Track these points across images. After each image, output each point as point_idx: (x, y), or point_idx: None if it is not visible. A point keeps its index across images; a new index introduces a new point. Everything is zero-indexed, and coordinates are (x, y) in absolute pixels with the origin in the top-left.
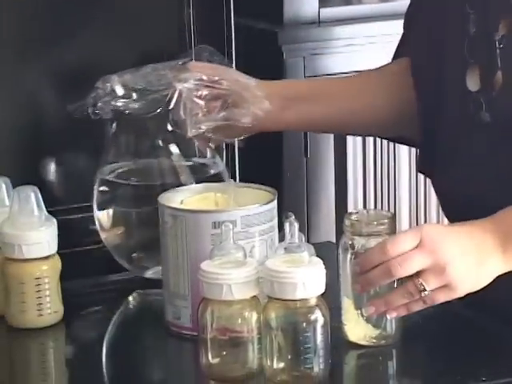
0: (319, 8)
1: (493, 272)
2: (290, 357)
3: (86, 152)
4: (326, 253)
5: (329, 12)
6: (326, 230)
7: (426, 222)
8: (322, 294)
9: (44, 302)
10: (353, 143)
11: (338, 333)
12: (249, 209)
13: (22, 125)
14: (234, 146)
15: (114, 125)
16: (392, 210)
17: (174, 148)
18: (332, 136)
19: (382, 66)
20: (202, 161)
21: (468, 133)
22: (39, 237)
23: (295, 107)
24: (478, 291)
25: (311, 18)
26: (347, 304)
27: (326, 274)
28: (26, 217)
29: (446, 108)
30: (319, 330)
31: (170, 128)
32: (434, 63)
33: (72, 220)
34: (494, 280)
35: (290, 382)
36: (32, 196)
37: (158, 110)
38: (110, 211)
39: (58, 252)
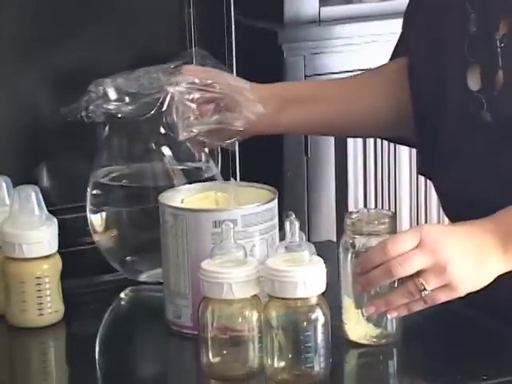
0: (319, 7)
1: (493, 272)
2: (290, 356)
3: (86, 152)
4: (327, 252)
5: (329, 11)
6: (327, 229)
7: (426, 221)
8: (323, 293)
9: (44, 302)
10: (353, 142)
11: (339, 332)
12: (249, 208)
13: (23, 124)
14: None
15: (107, 128)
16: (392, 209)
17: (166, 151)
18: None
19: (381, 66)
20: (195, 165)
21: (468, 132)
22: (40, 236)
23: (291, 110)
24: (478, 291)
25: (311, 17)
26: (348, 303)
27: (327, 273)
28: (27, 216)
29: (446, 108)
30: (320, 329)
31: (163, 131)
32: (434, 62)
33: (72, 219)
34: (495, 280)
35: (291, 381)
36: (32, 195)
37: (151, 114)
38: (104, 214)
39: (58, 251)
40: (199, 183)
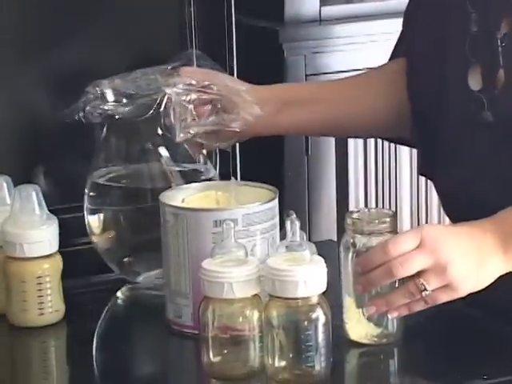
0: (320, 6)
1: (494, 273)
2: (291, 355)
3: (87, 152)
4: (328, 251)
5: (330, 10)
6: (328, 229)
7: (427, 221)
8: (324, 293)
9: (45, 301)
10: (354, 142)
11: (340, 331)
12: (250, 207)
13: (23, 124)
14: (235, 145)
15: (105, 129)
16: (393, 209)
17: (164, 152)
18: None
19: (381, 66)
20: (193, 166)
21: (470, 132)
22: (40, 235)
23: (290, 111)
24: (479, 291)
25: (312, 17)
26: (349, 302)
27: (328, 272)
28: (28, 215)
29: (447, 108)
30: (321, 329)
31: (160, 132)
32: (435, 62)
33: (71, 219)
34: (496, 280)
35: (292, 381)
36: (33, 195)
37: (148, 115)
38: (101, 216)
39: (58, 251)
40: (200, 182)
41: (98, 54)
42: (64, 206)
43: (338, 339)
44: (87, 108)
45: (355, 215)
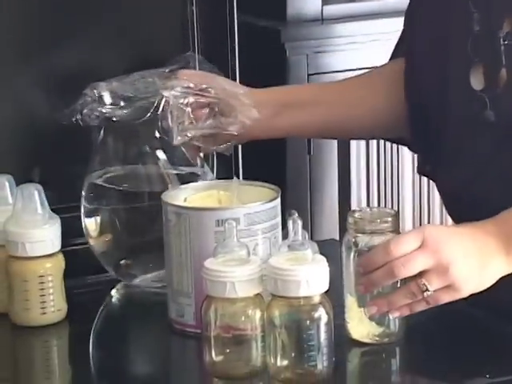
0: (322, 5)
1: (496, 274)
2: (293, 354)
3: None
4: (330, 250)
5: (332, 9)
6: (330, 228)
7: (429, 221)
8: (326, 292)
9: (47, 300)
10: (356, 141)
11: (341, 330)
12: (252, 206)
13: (24, 124)
14: (238, 145)
15: (102, 132)
16: (395, 209)
17: (161, 155)
18: None
19: (381, 66)
20: (190, 169)
21: (472, 132)
22: (43, 235)
23: (289, 114)
24: (481, 291)
25: (314, 16)
26: (350, 302)
27: (330, 271)
28: (30, 215)
29: (449, 107)
30: (323, 328)
31: (157, 135)
32: (436, 62)
33: (72, 218)
34: (498, 280)
35: (294, 380)
36: (35, 194)
37: (146, 118)
38: (98, 218)
39: (61, 250)
40: (202, 182)
41: (99, 54)
42: (61, 206)
43: (340, 338)
44: (85, 110)
45: (357, 214)
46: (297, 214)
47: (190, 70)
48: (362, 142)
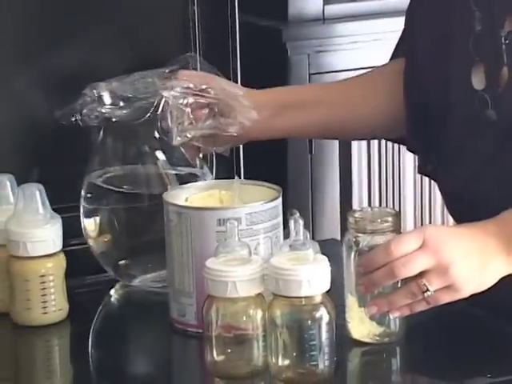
0: (323, 5)
1: (496, 274)
2: (294, 354)
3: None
4: (331, 250)
5: (333, 9)
6: (331, 228)
7: (430, 221)
8: (327, 292)
9: (49, 300)
10: (358, 141)
11: (342, 330)
12: (253, 206)
13: (25, 123)
14: (237, 146)
15: (101, 132)
16: (397, 209)
17: (160, 155)
18: None
19: (383, 65)
20: (190, 170)
21: (473, 131)
22: (44, 234)
23: (288, 115)
24: (482, 291)
25: (315, 15)
26: (351, 301)
27: (331, 271)
28: (31, 214)
29: (450, 106)
30: (324, 328)
31: (157, 135)
32: (438, 61)
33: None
34: (499, 280)
35: (295, 380)
36: (37, 194)
37: (145, 118)
38: (97, 218)
39: (62, 249)
40: (203, 181)
41: (99, 54)
42: (61, 206)
43: (341, 338)
44: (84, 111)
45: (358, 214)
46: (298, 214)
47: (190, 70)
48: (364, 142)
